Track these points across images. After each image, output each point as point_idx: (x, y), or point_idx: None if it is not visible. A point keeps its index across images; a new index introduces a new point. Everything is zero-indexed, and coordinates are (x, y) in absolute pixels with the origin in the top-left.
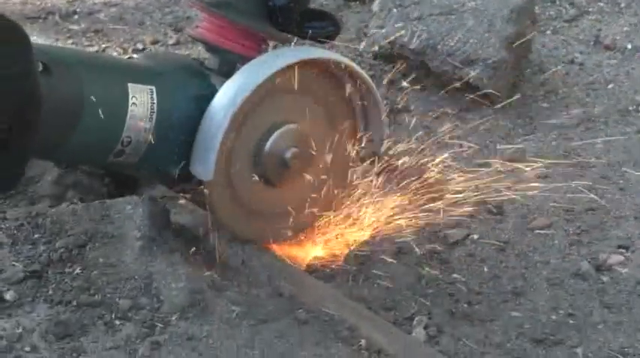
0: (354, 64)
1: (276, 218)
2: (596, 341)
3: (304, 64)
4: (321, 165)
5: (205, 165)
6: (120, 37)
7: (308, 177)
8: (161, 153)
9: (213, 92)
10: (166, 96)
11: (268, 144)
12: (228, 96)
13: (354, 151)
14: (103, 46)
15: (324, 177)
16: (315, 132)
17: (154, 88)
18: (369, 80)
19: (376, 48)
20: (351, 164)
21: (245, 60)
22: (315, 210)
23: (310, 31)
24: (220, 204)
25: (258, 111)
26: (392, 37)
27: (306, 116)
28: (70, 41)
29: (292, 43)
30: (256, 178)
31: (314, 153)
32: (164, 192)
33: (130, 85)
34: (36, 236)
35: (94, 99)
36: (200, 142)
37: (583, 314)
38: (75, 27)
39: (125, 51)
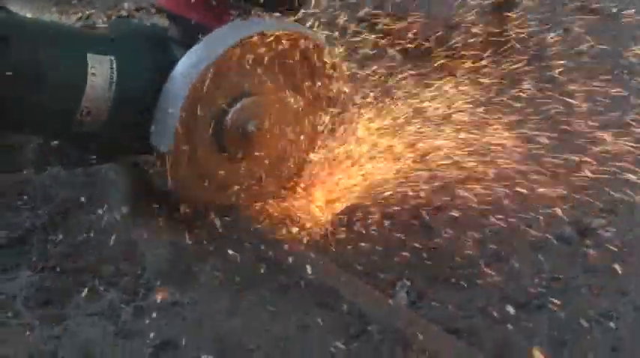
0: (310, 32)
1: (239, 188)
2: (580, 305)
3: (264, 36)
4: (284, 137)
5: (165, 137)
6: (104, 3)
7: (270, 149)
8: (121, 123)
9: (174, 62)
10: (126, 67)
11: (229, 116)
12: (187, 66)
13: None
14: (87, 12)
15: (287, 146)
16: (277, 102)
17: (113, 58)
18: (324, 43)
19: (361, 14)
20: (318, 129)
21: (207, 30)
22: (278, 181)
23: (274, 3)
24: (180, 175)
25: (219, 83)
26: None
27: (268, 87)
28: (54, 8)
29: (253, 15)
30: (218, 150)
31: (276, 125)
32: (147, 158)
33: (89, 55)
34: (19, 202)
35: (51, 69)
36: (159, 113)
37: (566, 278)
38: None
39: (109, 18)
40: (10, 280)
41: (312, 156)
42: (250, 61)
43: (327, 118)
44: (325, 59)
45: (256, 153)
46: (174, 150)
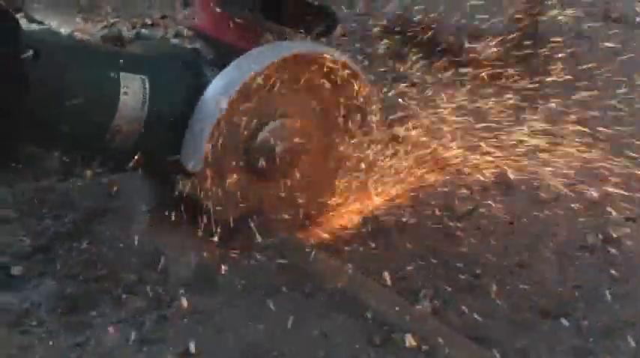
0: (348, 59)
1: (267, 210)
2: (603, 312)
3: (297, 58)
4: (313, 158)
5: (195, 156)
6: (129, 12)
7: (298, 172)
8: (152, 142)
9: (206, 83)
10: (159, 86)
11: (259, 138)
12: (218, 89)
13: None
14: (112, 20)
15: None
16: (307, 126)
17: (146, 77)
18: (363, 75)
19: (384, 22)
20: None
21: (240, 53)
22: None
23: (307, 26)
24: (210, 194)
25: (248, 106)
26: (401, 12)
27: (299, 111)
28: (79, 16)
29: (287, 37)
30: (247, 171)
31: (304, 148)
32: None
33: (122, 74)
34: (44, 211)
35: (82, 87)
36: (190, 133)
37: (590, 286)
38: (84, 2)
39: (134, 26)
40: (34, 288)
41: (341, 175)
42: (280, 84)
43: (355, 140)
44: (354, 82)
45: (285, 175)
46: (203, 171)
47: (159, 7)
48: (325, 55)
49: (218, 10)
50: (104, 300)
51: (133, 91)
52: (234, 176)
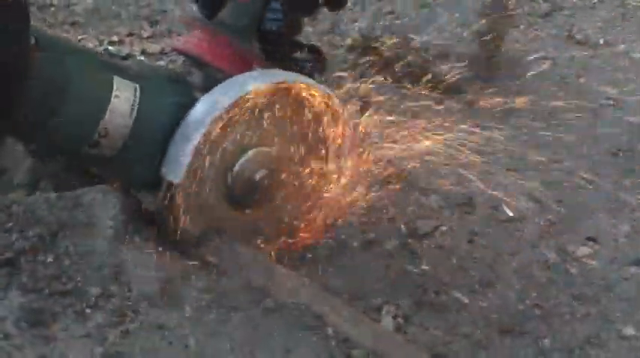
0: (332, 94)
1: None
2: (564, 331)
3: (282, 89)
4: (292, 187)
5: (176, 168)
6: (95, 28)
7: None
8: (135, 152)
9: (193, 102)
10: (149, 98)
11: (238, 164)
12: (206, 106)
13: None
14: (79, 37)
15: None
16: (286, 154)
17: (138, 86)
18: (342, 109)
19: (349, 41)
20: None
21: (229, 77)
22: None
23: (297, 63)
24: (185, 211)
25: (230, 131)
26: (365, 31)
27: (278, 138)
28: (47, 31)
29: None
30: (225, 197)
31: (284, 176)
32: None
33: (115, 77)
34: (9, 224)
35: (76, 82)
36: (174, 146)
37: (550, 305)
38: (52, 19)
39: (101, 43)
40: (0, 301)
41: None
42: (261, 112)
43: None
44: (336, 113)
45: (263, 203)
46: (182, 188)
47: (125, 24)
48: (306, 86)
49: (215, 36)
50: (68, 314)
51: (124, 96)
52: (212, 201)
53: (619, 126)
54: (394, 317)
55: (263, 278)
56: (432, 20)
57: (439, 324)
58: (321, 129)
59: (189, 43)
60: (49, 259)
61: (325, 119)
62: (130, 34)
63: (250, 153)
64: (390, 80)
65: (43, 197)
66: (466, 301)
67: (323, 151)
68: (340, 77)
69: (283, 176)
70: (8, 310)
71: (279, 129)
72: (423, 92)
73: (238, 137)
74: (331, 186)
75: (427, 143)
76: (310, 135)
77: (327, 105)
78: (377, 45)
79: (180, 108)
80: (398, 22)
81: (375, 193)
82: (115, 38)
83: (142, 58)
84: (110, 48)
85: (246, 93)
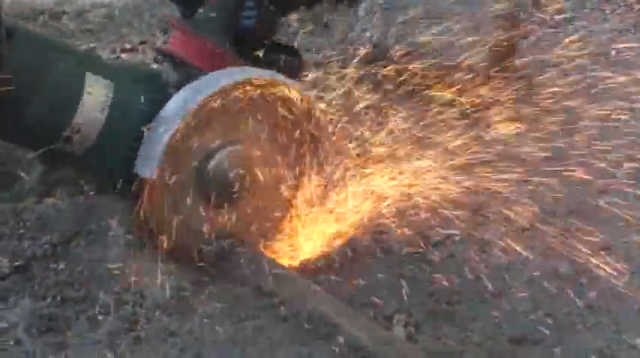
0: (306, 92)
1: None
2: (574, 342)
3: (255, 86)
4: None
5: (149, 164)
6: (108, 37)
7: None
8: (108, 148)
9: (167, 99)
10: (123, 95)
11: (211, 162)
12: (179, 102)
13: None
14: (92, 45)
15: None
16: (260, 151)
17: (112, 83)
18: (317, 104)
19: (360, 51)
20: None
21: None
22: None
23: (275, 62)
24: (157, 208)
25: (203, 128)
26: (377, 41)
27: (251, 136)
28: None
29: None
30: (199, 195)
31: (257, 173)
32: None
33: (88, 73)
34: (21, 231)
35: (50, 76)
36: (147, 142)
37: (562, 315)
38: (64, 27)
39: (113, 51)
40: (11, 308)
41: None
42: (234, 109)
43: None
44: (309, 109)
45: (237, 200)
46: (155, 184)
47: (138, 32)
48: (278, 83)
49: (192, 35)
50: (80, 321)
51: (96, 93)
52: (186, 198)
53: (633, 136)
54: (405, 326)
55: (275, 286)
56: (443, 30)
57: (450, 333)
58: (296, 127)
59: (168, 42)
60: (61, 266)
61: (300, 116)
62: (143, 42)
63: (225, 150)
64: (400, 88)
65: (55, 204)
66: (477, 311)
67: (299, 149)
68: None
69: (258, 174)
70: (19, 317)
71: (253, 127)
72: (433, 101)
73: (211, 134)
74: (311, 188)
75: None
76: (285, 132)
77: (303, 103)
78: (388, 55)
79: (153, 105)
80: (409, 32)
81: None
82: (127, 46)
83: (155, 66)
84: (123, 56)
85: (219, 90)
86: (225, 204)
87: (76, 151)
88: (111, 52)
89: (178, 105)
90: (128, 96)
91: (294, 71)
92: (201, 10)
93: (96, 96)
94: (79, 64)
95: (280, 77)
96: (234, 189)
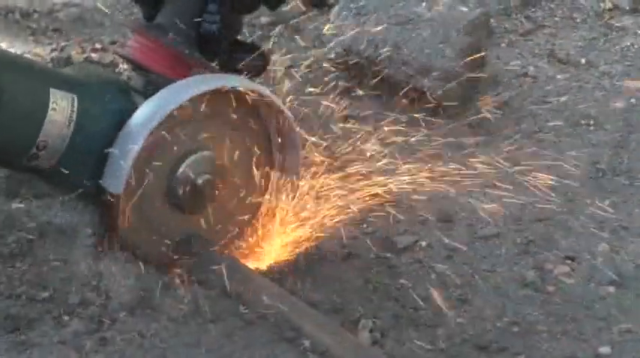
0: (273, 96)
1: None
2: (540, 349)
3: (223, 93)
4: (232, 195)
5: (116, 179)
6: (79, 36)
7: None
8: (75, 163)
9: (134, 109)
10: (87, 107)
11: (181, 169)
12: (147, 113)
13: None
14: (62, 44)
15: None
16: (229, 158)
17: (75, 96)
18: (288, 112)
19: (332, 55)
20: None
21: (169, 83)
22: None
23: (239, 63)
24: (128, 220)
25: (172, 136)
26: (347, 45)
27: (222, 144)
28: (30, 38)
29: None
30: (168, 202)
31: (227, 180)
32: None
33: (51, 89)
34: None
35: (10, 96)
36: (114, 156)
37: (527, 322)
38: (34, 25)
39: (84, 50)
40: None
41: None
42: (204, 116)
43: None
44: (279, 117)
45: (207, 208)
46: (123, 195)
47: (109, 32)
48: (251, 91)
49: (152, 40)
50: (46, 321)
51: (60, 108)
52: (155, 206)
53: (599, 146)
54: (371, 331)
55: (241, 290)
56: (414, 36)
57: (416, 339)
58: (264, 132)
59: (129, 47)
60: (27, 266)
61: (268, 121)
62: (114, 43)
63: (192, 157)
64: (370, 93)
65: (22, 204)
66: (443, 317)
67: (268, 154)
68: (320, 92)
69: (227, 180)
70: None
71: (220, 134)
72: (402, 107)
73: (179, 143)
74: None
75: (407, 158)
76: (253, 138)
77: (270, 107)
78: (358, 59)
79: (119, 116)
80: (380, 37)
81: (357, 206)
82: (98, 46)
83: (125, 66)
84: (93, 55)
85: (186, 100)
86: (194, 210)
87: (43, 167)
88: (81, 51)
89: (145, 118)
90: (93, 108)
91: (258, 69)
92: (162, 14)
93: (61, 111)
94: (42, 80)
95: (248, 83)
96: (203, 195)
